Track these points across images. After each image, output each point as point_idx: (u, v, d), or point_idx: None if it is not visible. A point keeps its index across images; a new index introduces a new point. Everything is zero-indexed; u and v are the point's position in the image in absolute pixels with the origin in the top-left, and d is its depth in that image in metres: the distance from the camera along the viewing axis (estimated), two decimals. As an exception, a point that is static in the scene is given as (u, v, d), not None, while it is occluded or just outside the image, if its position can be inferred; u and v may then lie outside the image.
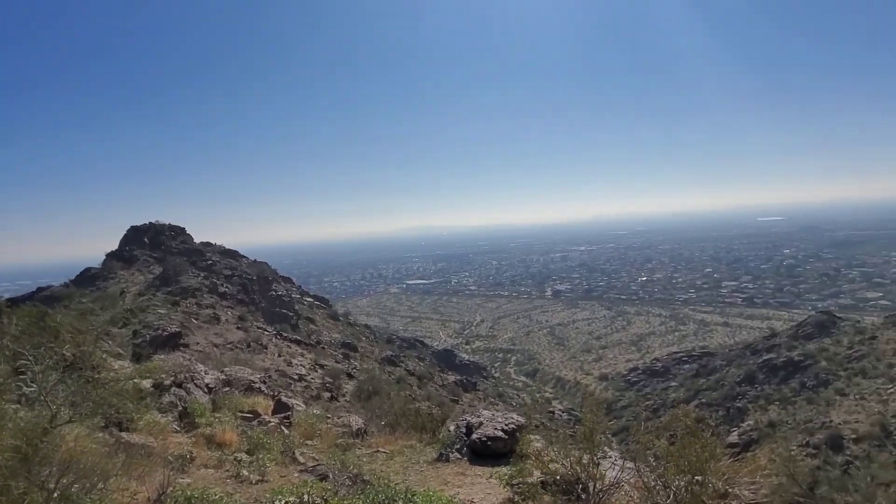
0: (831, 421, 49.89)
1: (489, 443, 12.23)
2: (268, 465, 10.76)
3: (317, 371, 44.69)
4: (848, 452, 45.09)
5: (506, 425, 12.65)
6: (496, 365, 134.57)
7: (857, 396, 53.61)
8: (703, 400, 72.29)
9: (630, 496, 8.90)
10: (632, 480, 8.94)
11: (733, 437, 54.54)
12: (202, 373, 16.18)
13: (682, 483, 8.24)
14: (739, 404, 65.32)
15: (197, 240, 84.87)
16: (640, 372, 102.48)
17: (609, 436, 57.30)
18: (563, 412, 77.48)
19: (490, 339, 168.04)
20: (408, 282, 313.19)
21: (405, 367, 71.25)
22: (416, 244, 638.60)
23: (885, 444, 44.68)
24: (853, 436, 46.71)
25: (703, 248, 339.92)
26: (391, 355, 76.10)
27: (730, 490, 8.59)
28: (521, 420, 13.14)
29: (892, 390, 51.50)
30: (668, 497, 8.24)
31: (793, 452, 46.51)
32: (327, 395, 37.35)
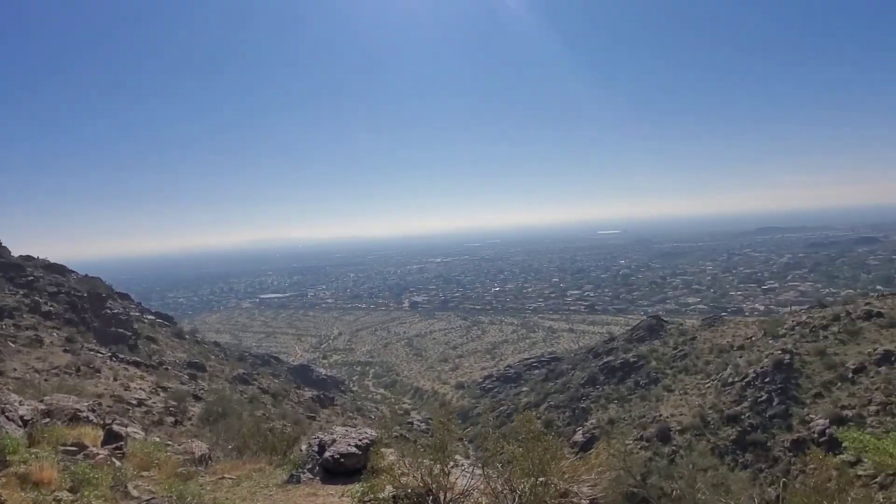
0: (661, 415, 54.82)
1: (342, 460, 11.99)
2: (94, 501, 9.75)
3: (159, 394, 41.42)
4: (674, 443, 49.84)
5: (360, 440, 12.47)
6: (354, 378, 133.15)
7: (681, 392, 59.52)
8: (552, 402, 76.46)
9: (479, 503, 9.13)
10: (481, 487, 9.19)
11: (578, 436, 58.18)
12: (16, 403, 14.33)
13: (527, 486, 8.61)
14: (584, 405, 69.82)
15: (15, 253, 75.49)
16: (494, 379, 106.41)
17: (466, 443, 58.88)
18: (421, 422, 78.31)
19: (348, 352, 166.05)
20: (261, 296, 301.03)
21: (259, 386, 68.30)
22: (271, 256, 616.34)
23: (703, 433, 50.00)
24: (679, 427, 51.73)
25: (551, 259, 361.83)
26: (243, 373, 72.63)
27: (570, 489, 9.11)
28: (376, 434, 13.03)
29: (708, 385, 57.78)
30: (514, 500, 8.57)
31: (628, 446, 50.45)
32: (171, 419, 34.76)
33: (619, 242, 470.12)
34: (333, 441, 12.69)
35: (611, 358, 76.84)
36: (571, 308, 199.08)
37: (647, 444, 50.78)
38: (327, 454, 12.21)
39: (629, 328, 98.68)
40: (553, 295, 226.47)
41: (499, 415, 79.15)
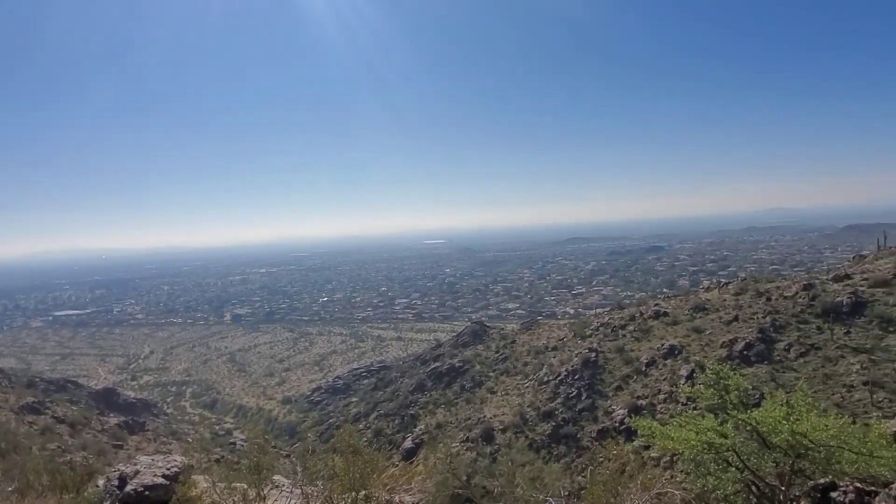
0: (485, 416, 57.56)
1: (147, 493, 10.90)
2: None
3: (-79, 433, 35.07)
4: (497, 442, 52.64)
5: (167, 469, 11.44)
6: (169, 400, 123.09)
7: (503, 392, 63.01)
8: (382, 411, 76.78)
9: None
10: (303, 506, 9.03)
11: (408, 443, 59.14)
12: None
13: (349, 501, 8.63)
14: (413, 411, 71.02)
15: None
16: (323, 391, 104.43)
17: (293, 459, 57.06)
18: (244, 442, 74.36)
19: (161, 371, 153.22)
20: (55, 313, 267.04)
21: (53, 415, 60.39)
22: (66, 269, 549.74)
23: (523, 430, 53.37)
24: (501, 427, 54.70)
25: (379, 268, 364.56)
26: (33, 402, 63.76)
27: (390, 498, 9.28)
28: (186, 461, 12.12)
29: (527, 384, 61.81)
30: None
31: (455, 449, 52.28)
32: (-62, 461, 29.53)
33: (444, 251, 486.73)
34: (137, 472, 11.55)
35: (438, 364, 79.08)
36: (400, 316, 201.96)
37: (472, 445, 53.00)
38: (129, 487, 11.11)
39: (455, 334, 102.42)
40: (381, 304, 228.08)
41: (328, 427, 77.86)
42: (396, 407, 76.12)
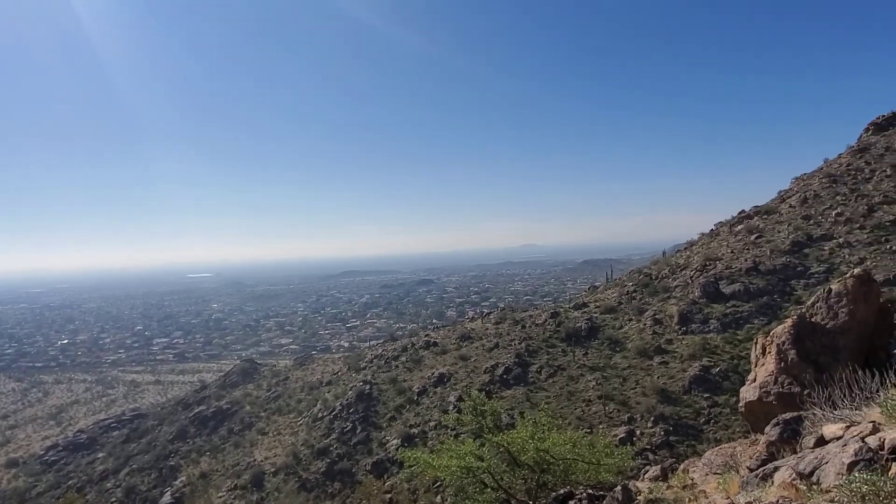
0: (255, 459, 54.70)
1: None
2: None
3: None
4: (266, 487, 50.25)
5: None
6: None
7: (275, 433, 60.54)
8: (135, 466, 68.65)
9: None
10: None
11: (167, 498, 53.70)
12: None
13: None
14: (172, 462, 64.73)
15: None
16: (60, 449, 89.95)
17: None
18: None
19: None
20: None
21: None
22: None
23: (296, 470, 51.72)
24: (272, 469, 52.39)
25: (134, 305, 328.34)
26: None
27: None
28: None
29: (300, 422, 60.23)
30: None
31: (221, 498, 48.80)
32: None
33: (211, 286, 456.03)
34: None
35: (203, 408, 73.45)
36: (158, 357, 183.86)
37: (241, 493, 49.95)
38: None
39: (222, 374, 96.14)
40: (136, 345, 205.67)
41: (66, 491, 67.32)
42: (153, 459, 68.76)
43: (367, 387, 58.67)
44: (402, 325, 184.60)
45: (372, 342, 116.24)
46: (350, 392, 58.91)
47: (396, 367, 63.38)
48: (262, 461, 54.24)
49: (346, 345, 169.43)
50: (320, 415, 58.67)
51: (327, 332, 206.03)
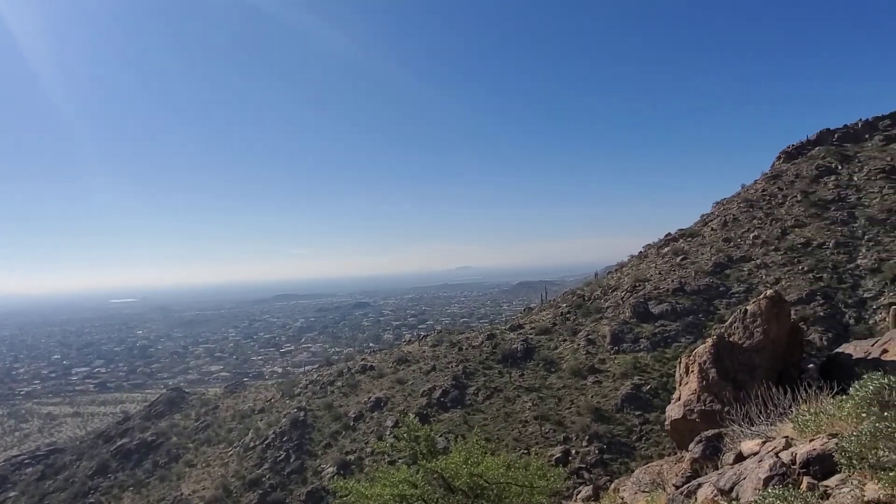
0: (182, 494, 52.28)
1: None
2: None
3: None
4: (197, 521, 48.07)
5: None
6: None
7: (204, 465, 58.10)
8: (49, 505, 64.45)
9: None
10: None
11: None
12: None
13: None
14: (92, 499, 61.08)
15: None
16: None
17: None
18: None
19: None
20: None
21: None
22: None
23: (227, 503, 49.74)
24: (201, 503, 50.17)
25: (51, 332, 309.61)
26: None
27: None
28: None
29: (231, 452, 58.09)
30: None
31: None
32: None
33: (135, 312, 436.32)
34: None
35: (126, 440, 69.81)
36: (78, 388, 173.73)
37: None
38: None
39: (147, 404, 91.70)
40: (53, 375, 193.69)
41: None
42: (70, 497, 64.68)
43: (302, 413, 57.31)
44: (338, 349, 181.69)
45: (307, 367, 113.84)
46: (284, 419, 57.36)
47: (332, 392, 62.24)
48: (189, 495, 51.89)
49: (280, 371, 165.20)
50: (252, 444, 56.78)
51: (260, 357, 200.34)
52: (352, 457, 48.62)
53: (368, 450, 48.48)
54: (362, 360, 69.79)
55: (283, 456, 52.44)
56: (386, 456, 43.78)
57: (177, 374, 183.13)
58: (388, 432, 48.11)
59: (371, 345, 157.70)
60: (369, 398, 56.50)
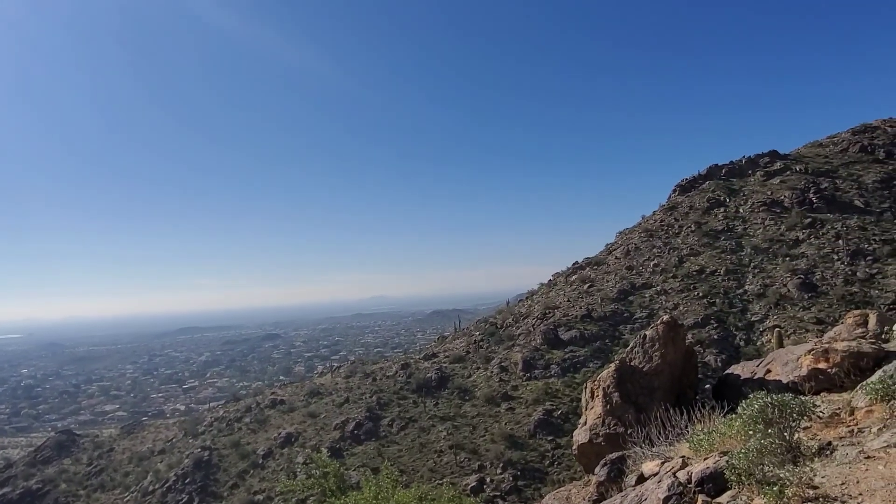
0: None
1: None
2: None
3: None
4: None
5: None
6: None
7: (96, 513, 53.86)
8: (-89, 569, 57.59)
9: None
10: None
11: None
12: None
13: None
14: (-38, 560, 55.16)
15: None
16: None
17: None
18: None
19: None
20: None
21: None
22: None
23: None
24: (92, 556, 46.37)
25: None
26: None
27: None
28: None
29: (128, 498, 54.19)
30: None
31: None
32: None
33: (20, 348, 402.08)
34: None
35: (7, 489, 63.73)
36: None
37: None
38: None
39: (33, 449, 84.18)
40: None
41: None
42: (-63, 559, 58.24)
43: (206, 453, 54.45)
44: (246, 384, 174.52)
45: (212, 404, 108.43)
46: (186, 460, 54.25)
47: (240, 429, 59.61)
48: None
49: (183, 408, 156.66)
50: (151, 488, 53.25)
51: (161, 395, 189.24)
52: (260, 496, 46.57)
53: (278, 489, 46.59)
54: (272, 394, 67.40)
55: (185, 499, 49.48)
56: (296, 494, 42.28)
57: (67, 415, 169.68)
58: (298, 469, 46.59)
59: (281, 378, 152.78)
60: (279, 434, 54.54)
